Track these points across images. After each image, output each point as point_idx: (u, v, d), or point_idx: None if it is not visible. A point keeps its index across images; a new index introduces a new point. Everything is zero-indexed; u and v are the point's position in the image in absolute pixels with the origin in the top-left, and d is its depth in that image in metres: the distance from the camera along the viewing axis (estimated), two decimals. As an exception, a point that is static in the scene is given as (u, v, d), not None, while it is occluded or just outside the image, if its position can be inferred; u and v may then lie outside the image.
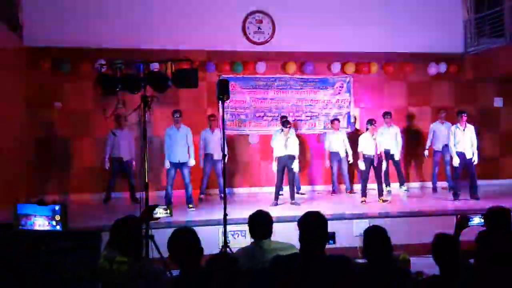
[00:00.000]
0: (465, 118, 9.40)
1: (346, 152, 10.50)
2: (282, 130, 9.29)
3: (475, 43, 11.65)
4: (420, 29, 11.19)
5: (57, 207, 4.67)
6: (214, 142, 9.76)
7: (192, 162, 9.14)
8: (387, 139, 10.17)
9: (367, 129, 9.45)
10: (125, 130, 9.84)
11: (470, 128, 9.44)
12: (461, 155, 9.34)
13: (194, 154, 9.24)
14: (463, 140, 9.33)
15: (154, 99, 6.05)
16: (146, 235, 5.33)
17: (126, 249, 3.48)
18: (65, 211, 4.63)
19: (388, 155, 10.11)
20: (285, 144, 9.22)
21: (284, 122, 9.38)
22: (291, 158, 9.22)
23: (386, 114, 10.58)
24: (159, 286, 3.30)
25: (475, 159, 9.37)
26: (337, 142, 10.53)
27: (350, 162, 10.51)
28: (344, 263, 3.29)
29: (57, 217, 4.65)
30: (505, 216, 3.93)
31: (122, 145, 9.78)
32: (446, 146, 10.31)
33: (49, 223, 4.68)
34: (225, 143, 6.90)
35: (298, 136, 10.03)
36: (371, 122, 9.39)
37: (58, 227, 4.65)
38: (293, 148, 9.27)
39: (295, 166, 9.28)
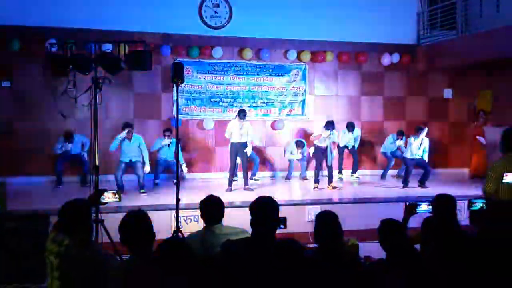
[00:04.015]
0: (423, 134, 9.75)
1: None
2: (240, 118, 9.29)
3: (427, 35, 11.92)
4: (375, 19, 11.34)
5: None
6: (169, 149, 9.87)
7: (147, 169, 9.14)
8: (350, 139, 10.77)
9: (327, 130, 9.51)
10: (75, 139, 9.77)
11: (426, 141, 9.85)
12: (413, 159, 9.77)
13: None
14: (416, 151, 9.75)
15: (106, 81, 5.90)
16: (95, 220, 5.23)
17: (74, 232, 3.41)
18: (3, 191, 4.47)
19: (344, 147, 10.73)
20: (239, 133, 9.23)
21: (241, 113, 9.36)
22: (244, 145, 9.27)
23: (349, 125, 10.74)
24: (109, 270, 3.24)
25: (426, 159, 9.84)
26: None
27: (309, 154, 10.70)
28: (294, 247, 3.32)
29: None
30: (451, 203, 4.05)
31: (74, 148, 9.79)
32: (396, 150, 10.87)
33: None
34: (178, 125, 6.83)
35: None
36: (330, 127, 9.48)
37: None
38: (248, 136, 9.33)
39: (248, 149, 9.37)
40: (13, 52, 9.94)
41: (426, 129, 9.84)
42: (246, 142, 9.33)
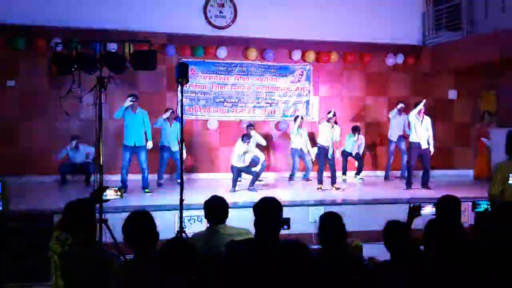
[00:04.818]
0: (423, 109, 9.61)
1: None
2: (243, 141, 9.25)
3: (432, 36, 11.88)
4: (380, 20, 11.34)
5: (-4, 186, 4.49)
6: (172, 133, 9.71)
7: (150, 145, 9.02)
8: (354, 144, 10.81)
9: (328, 120, 9.49)
10: (80, 148, 9.89)
11: (427, 119, 9.65)
12: (416, 145, 9.55)
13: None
14: (420, 131, 9.53)
15: (110, 80, 5.90)
16: (99, 219, 5.23)
17: (78, 231, 3.42)
18: (6, 189, 4.46)
19: (347, 154, 10.83)
20: (243, 159, 9.26)
21: (244, 136, 9.32)
22: (245, 168, 9.36)
23: (354, 129, 10.82)
24: (113, 269, 3.24)
25: (431, 149, 9.60)
26: (300, 139, 10.65)
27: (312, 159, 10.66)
28: (298, 248, 3.31)
29: (-3, 195, 4.47)
30: (455, 205, 4.03)
31: (78, 159, 9.87)
32: (401, 136, 10.63)
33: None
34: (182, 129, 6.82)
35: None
36: (332, 113, 9.49)
37: (-2, 206, 4.47)
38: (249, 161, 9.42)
39: (257, 168, 9.49)
40: (18, 51, 9.96)
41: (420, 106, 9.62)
42: (249, 166, 9.39)
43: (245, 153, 9.23)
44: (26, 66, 10.15)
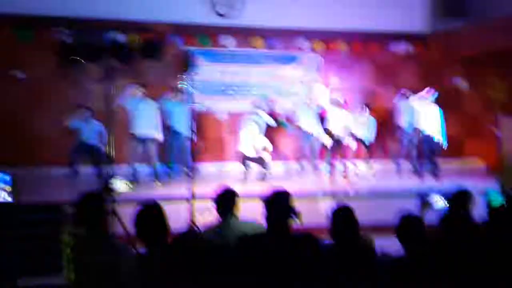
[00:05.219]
0: (426, 96, 9.54)
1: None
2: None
3: (441, 23, 11.69)
4: (387, 7, 11.21)
5: (7, 177, 4.48)
6: (178, 115, 9.50)
7: (159, 137, 9.03)
8: (362, 124, 10.53)
9: (337, 105, 9.43)
10: (93, 123, 9.33)
11: (435, 109, 9.58)
12: (426, 134, 9.48)
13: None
14: (428, 119, 9.46)
15: (118, 71, 5.90)
16: (110, 211, 5.24)
17: (90, 224, 3.42)
18: (16, 182, 4.47)
19: (359, 139, 10.50)
20: (253, 145, 9.23)
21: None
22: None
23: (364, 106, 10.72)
24: (125, 262, 3.24)
25: (443, 141, 9.52)
26: (309, 120, 10.54)
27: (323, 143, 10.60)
28: (311, 241, 3.30)
29: (8, 188, 4.46)
30: (467, 199, 4.00)
31: (91, 137, 9.38)
32: (413, 126, 10.57)
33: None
34: (193, 119, 6.81)
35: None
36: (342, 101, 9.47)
37: (9, 199, 4.47)
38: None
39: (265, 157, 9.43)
40: (25, 43, 9.93)
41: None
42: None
43: (253, 135, 9.15)
44: (32, 57, 10.09)
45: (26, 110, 10.16)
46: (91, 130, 9.33)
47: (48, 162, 10.03)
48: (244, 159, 9.22)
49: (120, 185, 4.59)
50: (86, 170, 9.79)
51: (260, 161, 9.35)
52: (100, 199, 3.60)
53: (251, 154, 9.22)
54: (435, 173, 9.56)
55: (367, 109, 10.56)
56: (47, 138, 10.11)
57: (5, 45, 9.89)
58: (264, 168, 9.32)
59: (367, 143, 10.75)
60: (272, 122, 9.93)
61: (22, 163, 9.36)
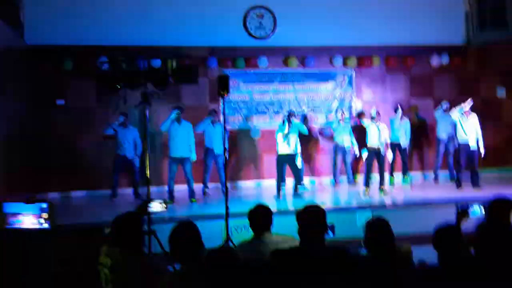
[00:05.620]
0: (466, 107, 9.40)
1: (352, 144, 10.57)
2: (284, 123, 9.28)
3: (477, 35, 11.55)
4: (421, 21, 11.15)
5: (44, 205, 4.65)
6: (215, 134, 9.74)
7: (193, 157, 9.21)
8: (397, 130, 10.47)
9: (372, 118, 9.44)
10: (130, 127, 9.73)
11: (474, 117, 9.45)
12: (465, 144, 9.35)
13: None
14: (467, 129, 9.34)
15: (155, 96, 6.07)
16: (147, 230, 5.34)
17: (127, 244, 3.49)
18: (53, 209, 4.62)
19: (395, 146, 10.31)
20: (288, 143, 9.24)
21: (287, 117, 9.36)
22: (292, 156, 9.29)
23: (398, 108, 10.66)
24: (159, 281, 3.30)
25: (482, 151, 9.37)
26: (342, 134, 10.56)
27: (357, 155, 10.55)
28: (343, 254, 3.29)
29: (45, 215, 4.63)
30: (505, 207, 3.92)
31: (126, 143, 9.70)
32: (451, 137, 10.43)
33: (37, 221, 4.66)
34: (226, 138, 6.92)
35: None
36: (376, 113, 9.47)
37: (45, 225, 4.63)
38: (295, 147, 9.35)
39: (298, 163, 9.43)
40: (66, 71, 10.28)
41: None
42: (293, 154, 9.34)
43: (287, 135, 9.20)
44: (74, 85, 10.44)
45: (71, 136, 10.46)
46: (128, 136, 9.65)
47: (91, 185, 10.32)
48: (281, 158, 9.28)
49: (156, 205, 4.68)
50: (125, 191, 10.07)
51: (295, 169, 9.37)
52: (136, 220, 3.68)
53: (288, 150, 9.25)
54: (476, 182, 9.36)
55: (400, 111, 10.48)
56: (90, 163, 10.39)
57: (48, 74, 10.26)
58: (299, 183, 9.33)
59: (403, 146, 10.61)
60: (304, 130, 9.92)
61: (67, 188, 9.66)
